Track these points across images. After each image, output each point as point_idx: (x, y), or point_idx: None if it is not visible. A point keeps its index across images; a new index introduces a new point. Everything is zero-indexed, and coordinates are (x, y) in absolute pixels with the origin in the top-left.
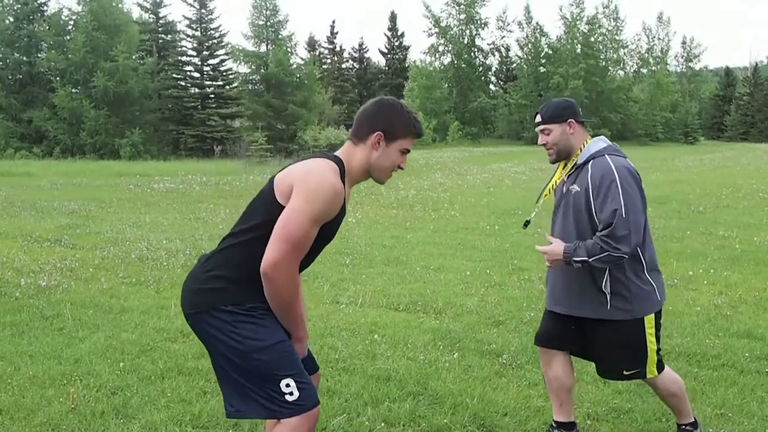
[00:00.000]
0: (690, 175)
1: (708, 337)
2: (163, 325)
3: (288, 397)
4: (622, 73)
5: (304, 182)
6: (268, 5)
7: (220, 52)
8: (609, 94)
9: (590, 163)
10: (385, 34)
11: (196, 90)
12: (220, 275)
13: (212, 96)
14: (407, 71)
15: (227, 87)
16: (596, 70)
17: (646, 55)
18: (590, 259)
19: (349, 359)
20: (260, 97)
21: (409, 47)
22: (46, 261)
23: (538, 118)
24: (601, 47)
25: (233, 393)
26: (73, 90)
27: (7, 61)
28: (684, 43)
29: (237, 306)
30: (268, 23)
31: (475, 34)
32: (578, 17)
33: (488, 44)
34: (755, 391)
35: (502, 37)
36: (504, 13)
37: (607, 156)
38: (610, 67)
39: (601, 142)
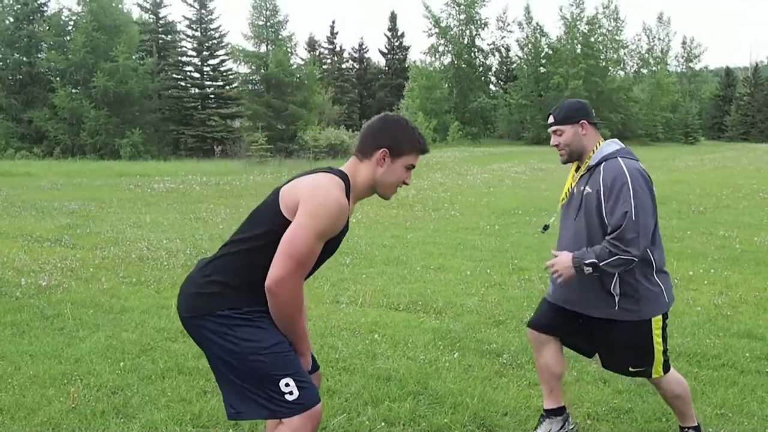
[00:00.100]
0: (690, 175)
1: (708, 337)
2: (163, 324)
3: (288, 397)
4: (622, 73)
5: (310, 198)
6: (268, 5)
7: (220, 52)
8: (609, 94)
9: (602, 165)
10: (385, 35)
11: (196, 90)
12: (219, 281)
13: (212, 96)
14: (407, 71)
15: (227, 87)
16: (596, 71)
17: (647, 55)
18: (600, 264)
19: (349, 359)
20: (260, 98)
21: (409, 47)
22: (47, 261)
23: (551, 119)
24: (601, 47)
25: (233, 395)
26: (74, 90)
27: (8, 61)
28: (684, 43)
29: (234, 310)
30: (268, 23)
31: (475, 35)
32: (578, 17)
33: (488, 44)
34: (755, 391)
35: (502, 38)
36: (504, 13)
37: (619, 158)
38: (610, 68)
39: (614, 144)
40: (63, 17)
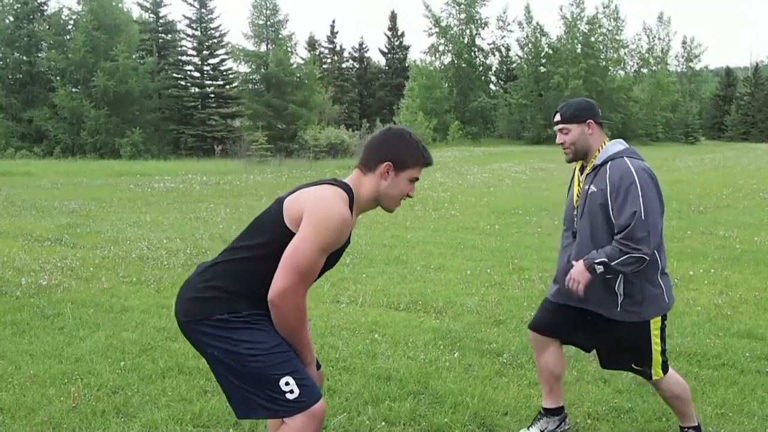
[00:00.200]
0: (690, 175)
1: (708, 336)
2: (163, 324)
3: (289, 396)
4: (622, 72)
5: (314, 211)
6: (268, 5)
7: (221, 51)
8: (609, 93)
9: (608, 164)
10: (385, 34)
11: (197, 89)
12: (218, 286)
13: (212, 95)
14: (407, 71)
15: (227, 86)
16: (596, 70)
17: (647, 54)
18: (612, 263)
19: (349, 358)
20: (260, 97)
21: (409, 47)
22: (47, 260)
23: (558, 117)
24: (601, 47)
25: (235, 397)
26: (74, 89)
27: (8, 60)
28: (684, 43)
29: (233, 314)
30: (268, 23)
31: (476, 34)
32: (578, 17)
33: (488, 44)
34: (756, 391)
35: (502, 37)
36: (504, 12)
37: (626, 158)
38: (610, 67)
39: (619, 145)
40: (63, 16)
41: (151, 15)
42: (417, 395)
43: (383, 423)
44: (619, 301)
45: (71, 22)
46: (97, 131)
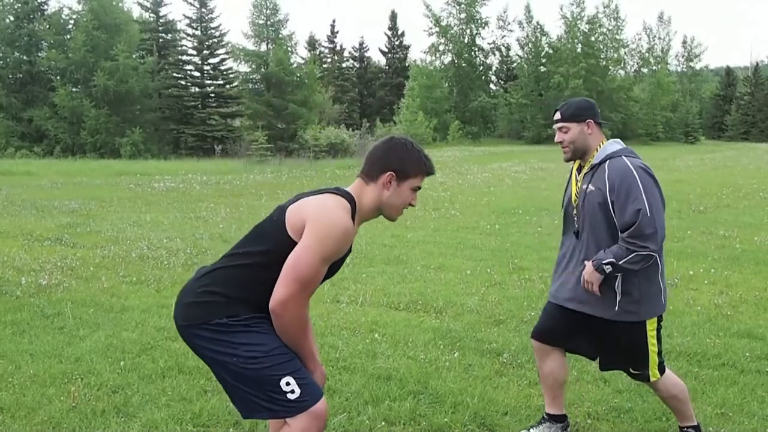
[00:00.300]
0: (690, 175)
1: (708, 336)
2: (163, 323)
3: (290, 396)
4: (622, 72)
5: (316, 220)
6: (268, 4)
7: (221, 51)
8: (609, 93)
9: (606, 163)
10: (386, 34)
11: (197, 89)
12: (217, 291)
13: (212, 95)
14: (408, 70)
15: (227, 86)
16: (597, 70)
17: (647, 54)
18: (620, 262)
19: (349, 358)
20: (260, 97)
21: (409, 46)
22: (47, 260)
23: (558, 116)
24: (601, 47)
25: (237, 399)
26: (74, 89)
27: (8, 60)
28: (684, 42)
29: (232, 318)
30: (269, 22)
31: (476, 34)
32: (579, 17)
33: (489, 44)
34: (756, 391)
35: (502, 37)
36: (504, 12)
37: (624, 157)
38: (610, 67)
39: (616, 144)
40: (63, 16)
41: (152, 14)
42: (417, 395)
43: (383, 423)
44: (618, 300)
45: (71, 21)
46: (97, 131)
